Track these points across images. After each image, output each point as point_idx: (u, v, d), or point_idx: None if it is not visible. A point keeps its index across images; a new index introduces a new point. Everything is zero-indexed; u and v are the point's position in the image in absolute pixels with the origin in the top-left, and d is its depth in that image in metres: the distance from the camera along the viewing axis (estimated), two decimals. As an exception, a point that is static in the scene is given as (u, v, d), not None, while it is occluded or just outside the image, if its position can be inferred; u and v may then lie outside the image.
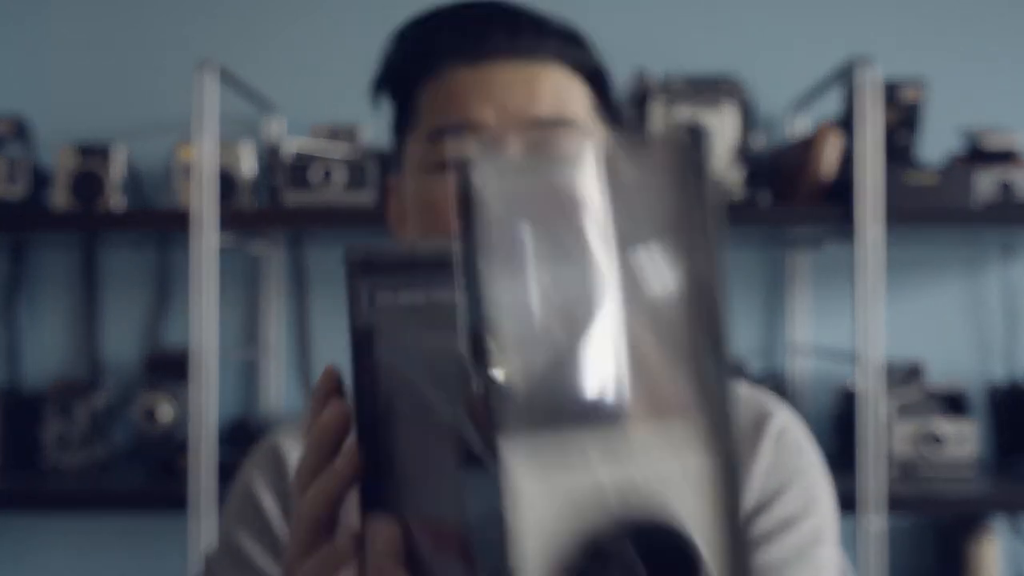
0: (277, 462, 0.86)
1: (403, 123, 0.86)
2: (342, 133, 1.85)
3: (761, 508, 0.80)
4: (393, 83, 0.86)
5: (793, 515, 0.80)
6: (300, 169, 1.76)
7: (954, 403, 1.88)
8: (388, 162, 1.63)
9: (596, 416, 0.37)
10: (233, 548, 0.83)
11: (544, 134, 0.80)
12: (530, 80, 0.81)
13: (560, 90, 0.82)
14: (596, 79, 0.85)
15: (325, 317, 2.08)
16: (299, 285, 2.09)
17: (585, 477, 0.37)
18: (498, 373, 0.37)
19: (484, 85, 0.80)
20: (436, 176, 0.81)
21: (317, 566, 0.50)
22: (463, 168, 0.39)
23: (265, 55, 2.10)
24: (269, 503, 0.84)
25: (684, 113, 1.72)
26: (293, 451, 0.86)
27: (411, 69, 0.84)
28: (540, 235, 0.38)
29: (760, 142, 1.84)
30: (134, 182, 1.95)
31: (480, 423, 0.38)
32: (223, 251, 1.80)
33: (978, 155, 1.81)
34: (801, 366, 2.04)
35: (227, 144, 1.81)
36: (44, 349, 2.10)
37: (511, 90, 0.80)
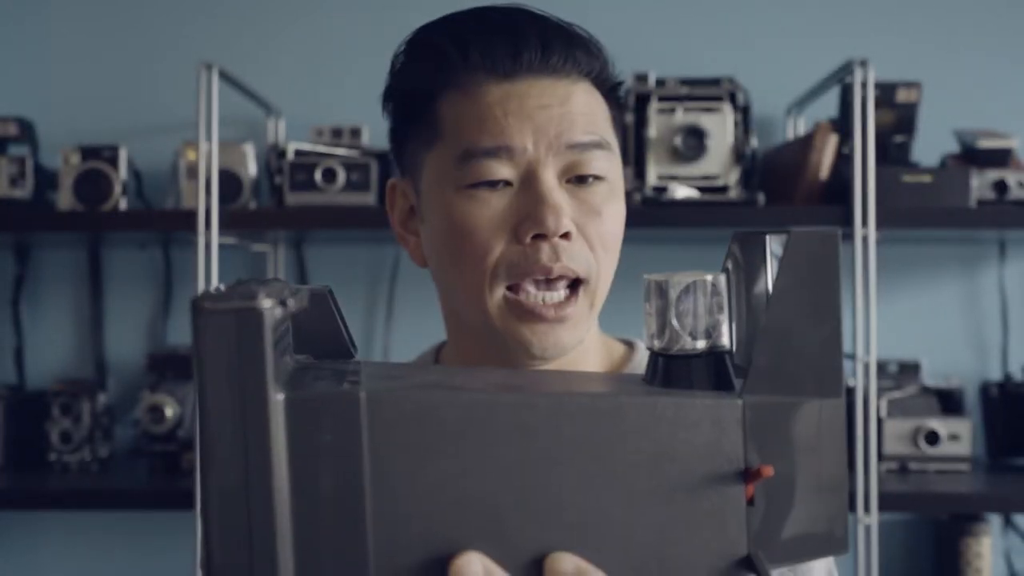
0: None
1: (420, 133, 0.85)
2: (344, 134, 1.87)
3: None
4: (411, 90, 0.85)
5: None
6: (302, 170, 1.78)
7: (949, 401, 1.89)
8: (390, 163, 1.64)
9: None
10: None
11: (580, 158, 0.80)
12: (564, 100, 0.80)
13: (590, 109, 0.82)
14: (613, 91, 0.86)
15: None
16: (301, 284, 2.10)
17: None
18: None
19: (519, 106, 0.79)
20: (467, 196, 0.80)
21: None
22: None
23: (267, 57, 2.11)
24: None
25: (682, 115, 1.73)
26: None
27: (433, 78, 0.82)
28: None
29: (757, 144, 1.85)
30: (138, 183, 1.97)
31: None
32: (225, 248, 1.82)
33: (973, 156, 1.83)
34: (798, 365, 2.05)
35: (230, 145, 1.83)
36: (49, 348, 2.12)
37: (547, 112, 0.79)
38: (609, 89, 0.85)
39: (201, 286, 1.71)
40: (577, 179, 0.81)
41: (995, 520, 2.00)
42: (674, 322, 0.49)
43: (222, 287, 0.45)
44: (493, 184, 0.80)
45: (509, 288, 0.80)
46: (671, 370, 0.50)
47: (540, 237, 0.78)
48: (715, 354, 0.50)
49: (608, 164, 0.82)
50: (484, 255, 0.80)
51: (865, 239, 1.68)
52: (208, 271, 1.72)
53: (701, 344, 0.50)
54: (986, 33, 2.10)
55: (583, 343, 0.87)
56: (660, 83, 1.76)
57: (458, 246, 0.81)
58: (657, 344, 0.50)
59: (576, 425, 0.46)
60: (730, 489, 0.47)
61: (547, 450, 0.46)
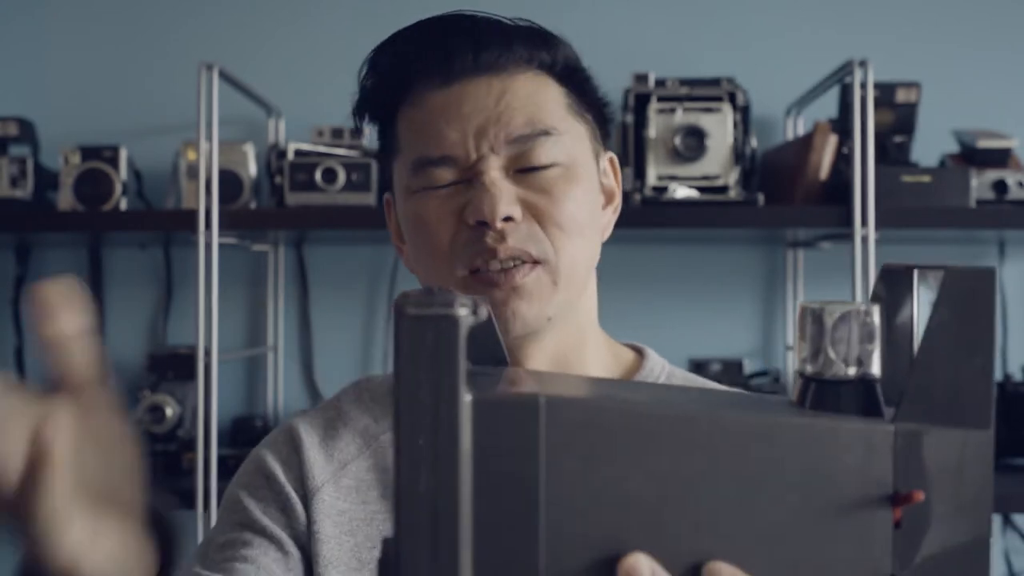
0: (292, 440, 0.89)
1: (387, 148, 0.89)
2: (344, 134, 1.87)
3: None
4: (372, 110, 0.89)
5: None
6: (302, 170, 1.78)
7: (949, 401, 1.89)
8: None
9: None
10: (236, 506, 0.86)
11: (525, 150, 0.82)
12: (500, 96, 0.82)
13: (532, 98, 0.83)
14: (569, 75, 0.87)
15: (326, 315, 2.10)
16: (301, 284, 2.11)
17: None
18: None
19: (457, 112, 0.82)
20: (421, 195, 0.84)
21: None
22: None
23: (267, 57, 2.11)
24: (279, 473, 0.87)
25: (682, 116, 1.73)
26: (307, 432, 0.89)
27: (387, 96, 0.86)
28: None
29: (757, 144, 1.85)
30: (138, 183, 1.97)
31: None
32: (226, 248, 1.82)
33: (972, 156, 1.83)
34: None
35: (231, 145, 1.83)
36: (49, 348, 2.12)
37: (484, 113, 0.82)
38: (564, 73, 0.86)
39: (201, 286, 1.72)
40: (528, 168, 0.83)
41: (995, 520, 2.00)
42: (829, 349, 0.51)
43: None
44: (445, 187, 0.84)
45: (473, 273, 0.83)
46: (823, 395, 0.51)
47: (483, 223, 0.81)
48: (865, 381, 0.51)
49: (559, 149, 0.83)
50: (439, 240, 0.83)
51: (865, 239, 1.68)
52: (208, 271, 1.72)
53: (852, 371, 0.51)
54: (986, 33, 2.10)
55: (580, 346, 0.88)
56: (660, 83, 1.77)
57: (419, 239, 0.85)
58: (810, 369, 0.52)
59: (733, 441, 0.48)
60: (878, 511, 0.49)
61: (704, 463, 0.48)
